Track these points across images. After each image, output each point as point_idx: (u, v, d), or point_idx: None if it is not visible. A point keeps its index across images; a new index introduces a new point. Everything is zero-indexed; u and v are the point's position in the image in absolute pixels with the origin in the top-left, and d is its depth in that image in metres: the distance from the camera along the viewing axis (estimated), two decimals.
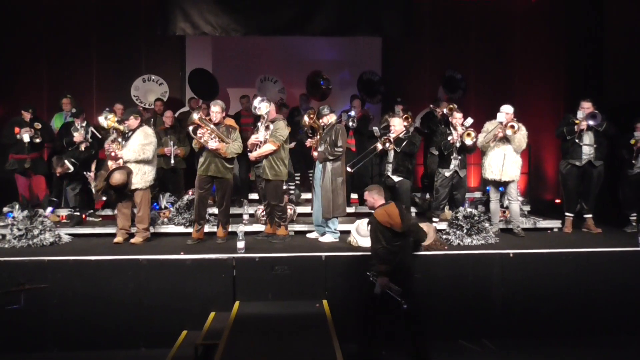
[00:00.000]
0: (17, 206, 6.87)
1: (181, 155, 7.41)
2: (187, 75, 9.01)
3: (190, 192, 6.98)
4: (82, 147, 6.94)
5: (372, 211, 4.75)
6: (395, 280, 4.43)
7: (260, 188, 6.28)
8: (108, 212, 7.29)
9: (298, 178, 8.17)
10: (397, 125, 6.40)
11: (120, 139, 6.03)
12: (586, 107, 6.45)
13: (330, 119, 6.16)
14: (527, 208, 7.60)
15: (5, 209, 6.91)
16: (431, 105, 8.15)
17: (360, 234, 5.76)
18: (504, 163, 6.34)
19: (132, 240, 6.01)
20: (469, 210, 6.17)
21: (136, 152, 5.87)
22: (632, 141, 6.65)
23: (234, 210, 6.90)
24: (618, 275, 5.47)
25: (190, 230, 6.26)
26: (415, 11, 8.45)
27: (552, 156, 8.82)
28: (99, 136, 7.11)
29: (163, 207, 6.98)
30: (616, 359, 5.02)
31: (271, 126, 6.02)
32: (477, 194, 8.31)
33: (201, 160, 5.98)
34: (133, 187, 5.88)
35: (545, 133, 8.44)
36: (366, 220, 5.98)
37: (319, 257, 5.31)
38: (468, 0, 9.17)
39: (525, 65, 9.12)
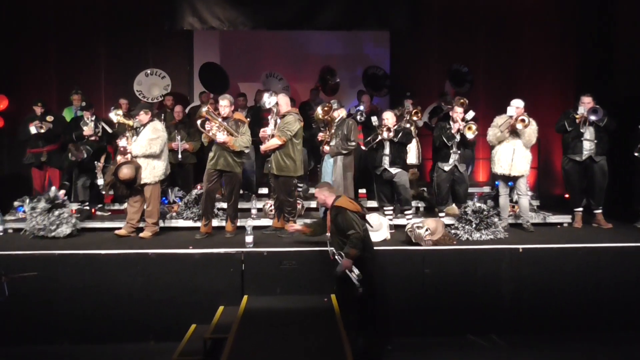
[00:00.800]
0: (27, 200, 6.92)
1: (190, 150, 7.42)
2: (196, 69, 9.00)
3: (198, 187, 6.98)
4: (92, 140, 6.98)
5: (328, 206, 4.85)
6: (365, 265, 4.58)
7: (271, 183, 6.28)
8: (117, 206, 7.33)
9: (308, 172, 8.16)
10: (390, 118, 6.33)
11: (128, 134, 6.05)
12: (586, 102, 6.38)
13: (340, 113, 6.14)
14: (536, 203, 7.54)
15: (16, 203, 6.98)
16: (442, 103, 8.08)
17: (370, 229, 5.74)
18: (514, 157, 6.29)
19: (141, 235, 6.04)
20: (478, 205, 6.14)
21: (144, 146, 5.88)
22: None
23: (242, 205, 6.89)
24: (629, 271, 5.43)
25: (198, 224, 6.27)
26: (422, 5, 8.40)
27: (562, 151, 8.74)
28: (109, 130, 7.15)
29: (172, 201, 7.00)
30: (626, 355, 4.99)
31: (279, 121, 6.01)
32: (486, 189, 8.25)
33: (210, 154, 5.99)
34: (142, 181, 5.90)
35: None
36: (374, 214, 6.01)
37: (327, 251, 5.29)
38: None
39: (535, 59, 9.02)
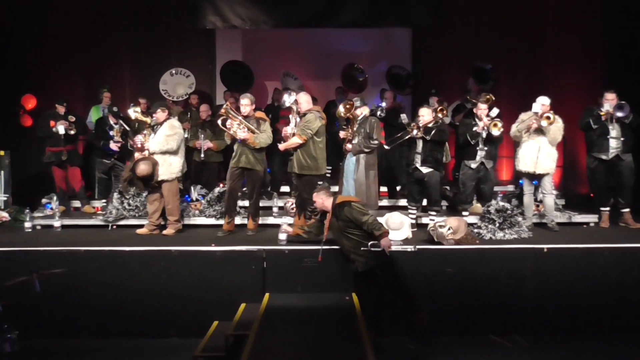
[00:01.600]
0: (54, 197, 7.08)
1: (214, 148, 7.46)
2: (219, 68, 9.07)
3: (221, 185, 7.06)
4: (119, 144, 7.12)
5: (327, 209, 4.99)
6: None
7: (293, 181, 6.30)
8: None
9: (329, 170, 8.17)
10: (426, 115, 6.19)
11: (146, 132, 6.15)
12: (610, 98, 6.23)
13: (363, 111, 6.12)
14: (562, 202, 7.42)
15: (43, 200, 7.14)
16: (468, 97, 7.98)
17: (391, 227, 5.71)
18: (539, 155, 6.18)
19: (164, 232, 6.11)
20: (501, 203, 6.05)
21: (160, 143, 5.96)
22: None
23: (264, 203, 6.94)
24: None
25: (221, 222, 6.33)
26: (445, 1, 8.29)
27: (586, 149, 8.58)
28: (127, 128, 7.27)
29: (194, 199, 7.07)
30: None
31: (298, 119, 6.03)
32: (510, 187, 8.15)
33: (233, 153, 6.04)
34: (159, 178, 5.98)
35: None
36: (395, 213, 5.97)
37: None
38: None
39: (559, 55, 8.84)
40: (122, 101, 8.71)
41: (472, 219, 6.29)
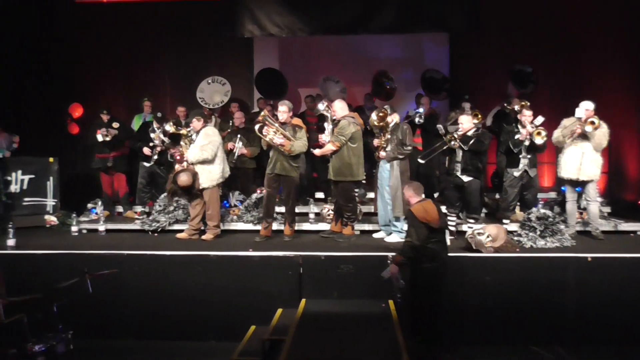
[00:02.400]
0: (99, 202, 7.33)
1: (248, 155, 7.57)
2: (255, 75, 9.19)
3: (258, 191, 7.15)
4: (157, 149, 7.29)
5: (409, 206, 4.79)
6: (422, 275, 4.54)
7: (331, 187, 6.34)
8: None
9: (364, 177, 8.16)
10: (465, 122, 6.10)
11: (183, 143, 6.32)
12: None
13: (394, 118, 6.10)
14: (607, 209, 7.17)
15: (89, 205, 7.41)
16: (504, 104, 7.84)
17: None
18: (582, 161, 6.00)
19: (203, 237, 6.24)
20: (542, 211, 5.91)
21: (196, 154, 6.10)
22: None
23: (300, 209, 6.99)
24: None
25: (258, 227, 6.41)
26: (483, 4, 8.17)
27: (634, 154, 8.25)
28: (165, 139, 7.46)
29: (232, 204, 7.18)
30: None
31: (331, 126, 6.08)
32: (552, 194, 7.92)
33: (269, 159, 6.12)
34: (200, 186, 6.11)
35: (627, 129, 7.92)
36: None
37: (384, 257, 5.27)
38: None
39: (602, 57, 8.55)
40: (162, 109, 8.94)
41: (513, 227, 6.16)
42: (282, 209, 6.64)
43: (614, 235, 6.31)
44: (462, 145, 6.05)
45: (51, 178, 7.66)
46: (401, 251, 4.59)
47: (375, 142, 6.17)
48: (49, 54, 9.04)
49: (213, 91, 9.09)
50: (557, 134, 6.18)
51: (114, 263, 5.37)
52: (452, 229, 6.15)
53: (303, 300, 5.09)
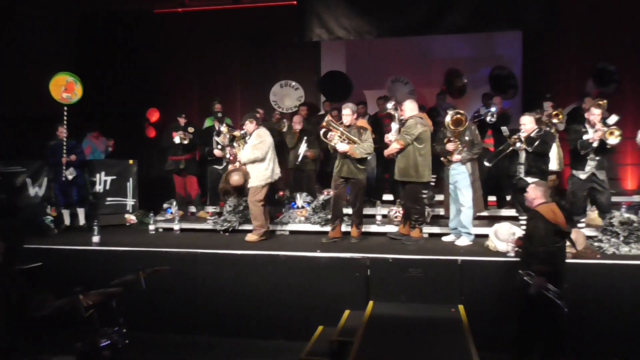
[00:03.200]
0: (174, 203, 7.67)
1: (310, 157, 7.65)
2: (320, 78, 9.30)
3: (325, 192, 7.21)
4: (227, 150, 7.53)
5: (530, 206, 4.48)
6: (556, 281, 4.17)
7: (399, 189, 6.30)
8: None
9: (434, 178, 8.02)
10: (527, 123, 5.83)
11: (237, 144, 6.53)
12: None
13: None
14: None
15: (165, 205, 7.76)
16: (584, 105, 7.44)
17: (500, 238, 5.49)
18: None
19: (246, 238, 6.32)
20: (626, 215, 5.55)
21: (248, 154, 6.25)
22: None
23: (367, 211, 6.97)
24: None
25: (326, 229, 6.46)
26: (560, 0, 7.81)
27: None
28: (218, 139, 7.72)
29: (300, 206, 7.28)
30: None
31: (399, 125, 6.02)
32: (636, 198, 7.44)
33: (336, 162, 6.18)
34: (248, 185, 6.26)
35: None
36: (505, 223, 5.71)
37: (454, 260, 5.16)
38: None
39: None
40: (233, 112, 9.26)
41: (591, 232, 5.83)
42: (349, 211, 6.67)
43: None
44: (526, 147, 5.80)
45: (131, 179, 8.12)
46: (541, 260, 4.14)
47: (450, 146, 5.95)
48: (129, 61, 9.59)
49: (284, 95, 9.30)
50: None
51: (188, 261, 5.62)
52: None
53: (370, 303, 5.07)
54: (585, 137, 5.86)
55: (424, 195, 7.44)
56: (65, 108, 7.19)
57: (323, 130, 6.11)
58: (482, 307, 4.94)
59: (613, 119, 5.84)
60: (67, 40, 9.36)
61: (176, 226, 7.07)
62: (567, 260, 4.90)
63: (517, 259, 4.71)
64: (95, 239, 6.21)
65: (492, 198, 7.34)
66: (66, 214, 7.41)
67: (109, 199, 7.97)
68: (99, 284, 3.70)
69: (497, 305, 4.92)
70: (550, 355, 4.29)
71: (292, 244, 6.14)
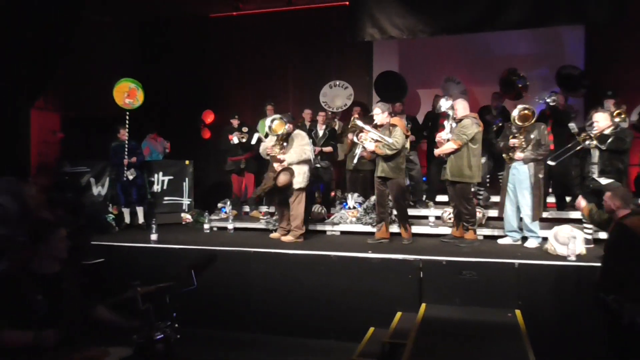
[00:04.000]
0: (228, 202, 7.84)
1: (367, 158, 7.60)
2: (374, 79, 9.24)
3: None
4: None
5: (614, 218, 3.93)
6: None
7: (448, 190, 6.16)
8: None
9: (487, 180, 7.80)
10: (601, 120, 5.54)
11: (277, 144, 6.47)
12: None
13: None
14: None
15: (219, 205, 7.95)
16: None
17: (559, 242, 5.26)
18: None
19: (283, 238, 6.35)
20: None
21: (298, 153, 6.23)
22: None
23: (420, 212, 6.88)
24: None
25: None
26: None
27: None
28: (264, 140, 7.78)
29: (352, 207, 7.26)
30: None
31: (454, 124, 5.90)
32: None
33: (376, 162, 6.20)
34: (295, 187, 6.26)
35: None
36: (566, 226, 5.47)
37: (511, 264, 4.99)
38: None
39: None
40: (286, 113, 9.32)
41: None
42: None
43: None
44: (598, 145, 5.51)
45: (187, 179, 8.36)
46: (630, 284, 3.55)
47: (513, 142, 5.78)
48: (186, 65, 9.89)
49: (334, 95, 9.31)
50: None
51: (241, 259, 5.71)
52: (589, 237, 5.64)
53: (423, 305, 4.98)
54: None
55: (480, 196, 7.28)
56: (127, 112, 7.51)
57: (354, 132, 6.14)
58: (541, 312, 4.76)
59: None
60: (128, 46, 9.77)
61: (230, 225, 7.22)
62: None
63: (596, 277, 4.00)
64: (154, 236, 6.43)
65: (551, 199, 7.07)
66: (126, 212, 7.72)
67: (166, 198, 8.24)
68: (156, 280, 3.83)
69: (556, 312, 4.72)
70: None
71: (344, 244, 6.12)
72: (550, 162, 5.89)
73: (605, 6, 6.95)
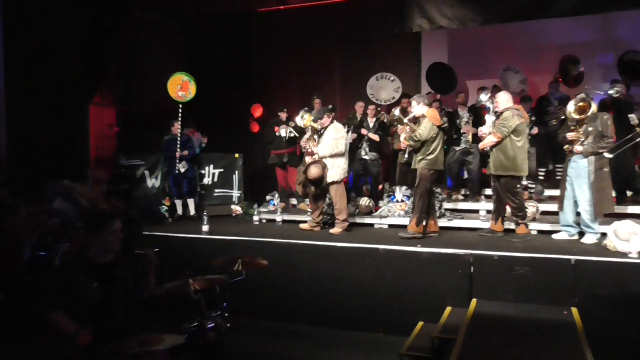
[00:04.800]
0: (276, 195, 7.93)
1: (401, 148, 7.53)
2: (423, 70, 9.08)
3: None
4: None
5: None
6: None
7: (492, 183, 6.04)
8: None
9: (542, 172, 7.55)
10: None
11: (315, 136, 6.53)
12: None
13: (591, 107, 5.51)
14: None
15: (267, 197, 8.06)
16: None
17: (620, 237, 5.03)
18: None
19: (331, 230, 6.40)
20: None
21: (330, 147, 6.25)
22: None
23: (471, 206, 6.77)
24: None
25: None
26: None
27: None
28: (297, 135, 7.79)
29: (400, 200, 7.21)
30: None
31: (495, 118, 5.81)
32: None
33: None
34: (328, 180, 6.27)
35: None
36: (626, 221, 5.22)
37: (567, 260, 4.82)
38: None
39: None
40: (332, 106, 9.31)
41: None
42: (449, 205, 6.51)
43: None
44: None
45: (236, 172, 8.53)
46: None
47: (571, 135, 5.58)
48: (234, 59, 10.03)
49: (381, 87, 9.23)
50: None
51: (289, 251, 5.77)
52: None
53: (474, 300, 4.88)
54: None
55: (532, 190, 7.07)
56: (180, 105, 7.71)
57: (395, 123, 6.21)
58: (599, 312, 4.57)
59: None
60: (178, 42, 10.00)
61: (278, 217, 7.30)
62: None
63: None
64: (205, 228, 6.59)
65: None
66: (178, 204, 7.95)
67: (216, 190, 8.43)
68: (207, 270, 3.93)
69: (616, 312, 4.53)
70: None
71: (392, 237, 6.07)
72: (607, 155, 5.63)
73: None
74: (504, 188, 5.74)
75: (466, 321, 4.31)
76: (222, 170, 8.48)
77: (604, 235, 5.38)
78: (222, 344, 3.43)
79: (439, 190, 7.05)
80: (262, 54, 10.14)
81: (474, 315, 4.48)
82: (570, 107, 5.50)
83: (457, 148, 7.56)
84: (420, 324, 4.94)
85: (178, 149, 7.65)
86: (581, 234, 5.66)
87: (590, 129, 5.40)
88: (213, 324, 3.41)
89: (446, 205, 6.98)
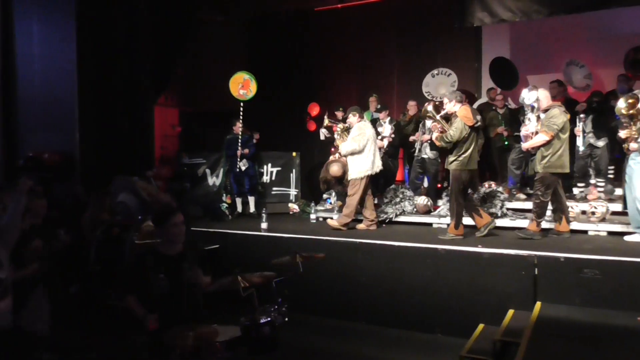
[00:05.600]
0: (333, 193, 7.96)
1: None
2: (484, 65, 8.88)
3: (486, 185, 6.93)
4: (386, 141, 7.56)
5: None
6: None
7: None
8: None
9: (612, 171, 7.19)
10: None
11: (338, 136, 6.79)
12: None
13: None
14: None
15: (324, 196, 8.12)
16: None
17: None
18: None
19: (357, 226, 6.51)
20: None
21: (347, 145, 6.42)
22: None
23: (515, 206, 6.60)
24: None
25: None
26: None
27: None
28: (327, 135, 7.95)
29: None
30: None
31: (542, 115, 5.62)
32: None
33: None
34: (349, 177, 6.40)
35: None
36: None
37: (639, 263, 4.56)
38: None
39: None
40: (391, 103, 9.26)
41: None
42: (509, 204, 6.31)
43: None
44: None
45: (294, 170, 8.64)
46: None
47: (624, 133, 5.37)
48: (292, 58, 10.16)
49: (438, 83, 9.08)
50: None
51: (347, 249, 5.78)
52: None
53: (538, 304, 4.71)
54: None
55: (601, 188, 6.77)
56: (242, 104, 7.89)
57: (428, 120, 6.23)
58: None
59: None
60: (238, 43, 10.24)
61: (335, 216, 7.33)
62: None
63: None
64: (264, 225, 6.72)
65: None
66: (239, 201, 8.16)
67: (274, 188, 8.58)
68: (266, 266, 4.01)
69: None
70: None
71: (451, 238, 5.95)
72: None
73: None
74: (538, 184, 5.61)
75: (530, 324, 4.19)
76: (279, 168, 8.62)
77: None
78: (276, 339, 3.49)
79: (500, 189, 6.85)
80: (320, 53, 10.21)
81: (538, 318, 4.34)
82: (621, 103, 5.26)
83: (517, 145, 7.31)
84: (481, 326, 4.84)
85: (239, 148, 7.84)
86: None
87: None
88: (268, 319, 3.48)
89: (508, 204, 6.75)
